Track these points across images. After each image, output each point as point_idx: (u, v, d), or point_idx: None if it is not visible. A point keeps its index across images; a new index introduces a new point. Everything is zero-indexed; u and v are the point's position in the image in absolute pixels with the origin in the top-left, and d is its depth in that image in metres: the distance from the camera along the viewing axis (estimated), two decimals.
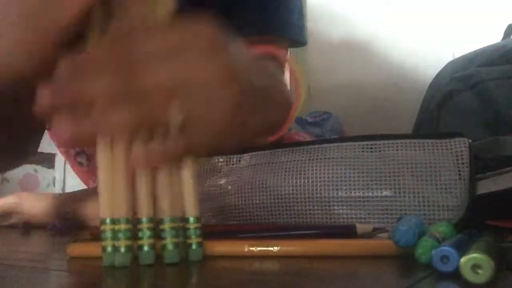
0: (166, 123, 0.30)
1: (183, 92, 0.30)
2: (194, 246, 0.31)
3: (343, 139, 0.49)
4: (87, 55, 0.31)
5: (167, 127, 0.30)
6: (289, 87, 0.43)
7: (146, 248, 0.30)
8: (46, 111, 0.30)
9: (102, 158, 0.31)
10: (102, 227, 0.30)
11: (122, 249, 0.29)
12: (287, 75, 0.44)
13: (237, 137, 0.35)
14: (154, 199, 0.31)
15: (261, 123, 0.40)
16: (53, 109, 0.30)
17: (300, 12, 0.68)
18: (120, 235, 0.29)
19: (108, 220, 0.30)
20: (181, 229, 0.31)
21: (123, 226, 0.30)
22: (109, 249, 0.29)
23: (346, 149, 0.47)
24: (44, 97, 0.30)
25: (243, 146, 0.39)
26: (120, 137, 0.30)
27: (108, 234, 0.29)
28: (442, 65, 0.98)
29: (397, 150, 0.46)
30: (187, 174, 0.32)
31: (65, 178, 1.95)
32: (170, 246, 0.30)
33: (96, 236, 0.33)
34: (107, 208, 0.30)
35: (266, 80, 0.38)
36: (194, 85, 0.31)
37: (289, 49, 0.69)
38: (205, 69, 0.31)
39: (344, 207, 0.45)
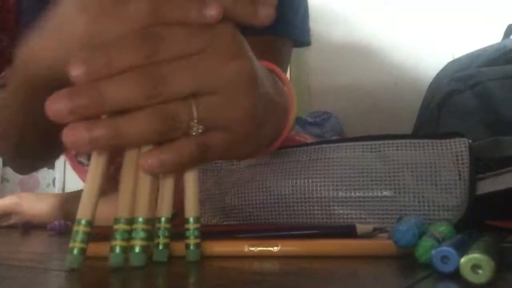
0: (186, 129, 0.30)
1: (205, 96, 0.30)
2: (192, 247, 0.31)
3: (343, 139, 0.49)
4: (109, 51, 0.29)
5: (186, 132, 0.30)
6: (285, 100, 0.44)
7: (161, 247, 0.31)
8: (61, 117, 0.28)
9: (127, 157, 0.30)
10: (116, 226, 0.29)
11: (137, 249, 0.29)
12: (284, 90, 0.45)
13: (252, 143, 0.35)
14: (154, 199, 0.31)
15: (270, 131, 0.39)
16: (69, 114, 0.27)
17: (304, 13, 0.68)
18: (138, 234, 0.29)
19: (122, 220, 0.29)
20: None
21: (141, 226, 0.29)
22: (117, 249, 0.29)
23: (346, 149, 0.47)
24: (59, 100, 0.27)
25: (255, 154, 0.39)
26: (139, 145, 0.30)
27: (120, 234, 0.29)
28: (442, 65, 0.98)
29: (397, 150, 0.46)
30: (190, 175, 0.32)
31: (65, 178, 1.95)
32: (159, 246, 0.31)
33: (96, 236, 0.33)
34: (125, 207, 0.30)
35: (272, 88, 0.38)
36: (216, 89, 0.30)
37: (292, 50, 0.69)
38: (227, 72, 0.30)
39: (344, 207, 0.45)
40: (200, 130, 0.30)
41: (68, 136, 0.28)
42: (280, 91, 0.41)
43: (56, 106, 0.27)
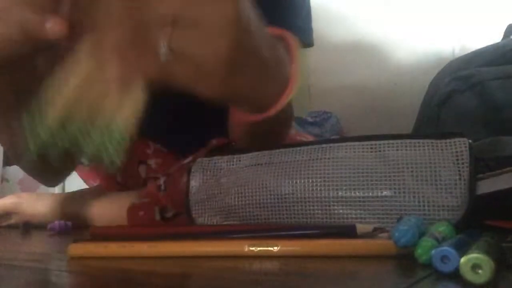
0: (155, 50, 0.31)
1: (182, 25, 0.31)
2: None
3: (343, 139, 0.49)
4: None
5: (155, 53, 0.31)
6: (290, 70, 0.44)
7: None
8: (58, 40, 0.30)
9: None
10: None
11: None
12: (291, 60, 0.45)
13: (219, 84, 0.35)
14: None
15: (255, 91, 0.40)
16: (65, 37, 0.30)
17: (307, 14, 0.68)
18: None
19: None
20: None
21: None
22: None
23: (346, 149, 0.47)
24: (54, 26, 0.30)
25: (229, 105, 0.41)
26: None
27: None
28: (442, 65, 0.98)
29: (397, 150, 0.46)
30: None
31: None
32: None
33: (96, 236, 0.33)
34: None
35: (270, 49, 0.39)
36: (196, 20, 0.31)
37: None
38: (212, 7, 0.31)
39: (344, 207, 0.45)
40: (168, 55, 0.31)
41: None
42: (279, 58, 0.42)
43: (53, 29, 0.30)
